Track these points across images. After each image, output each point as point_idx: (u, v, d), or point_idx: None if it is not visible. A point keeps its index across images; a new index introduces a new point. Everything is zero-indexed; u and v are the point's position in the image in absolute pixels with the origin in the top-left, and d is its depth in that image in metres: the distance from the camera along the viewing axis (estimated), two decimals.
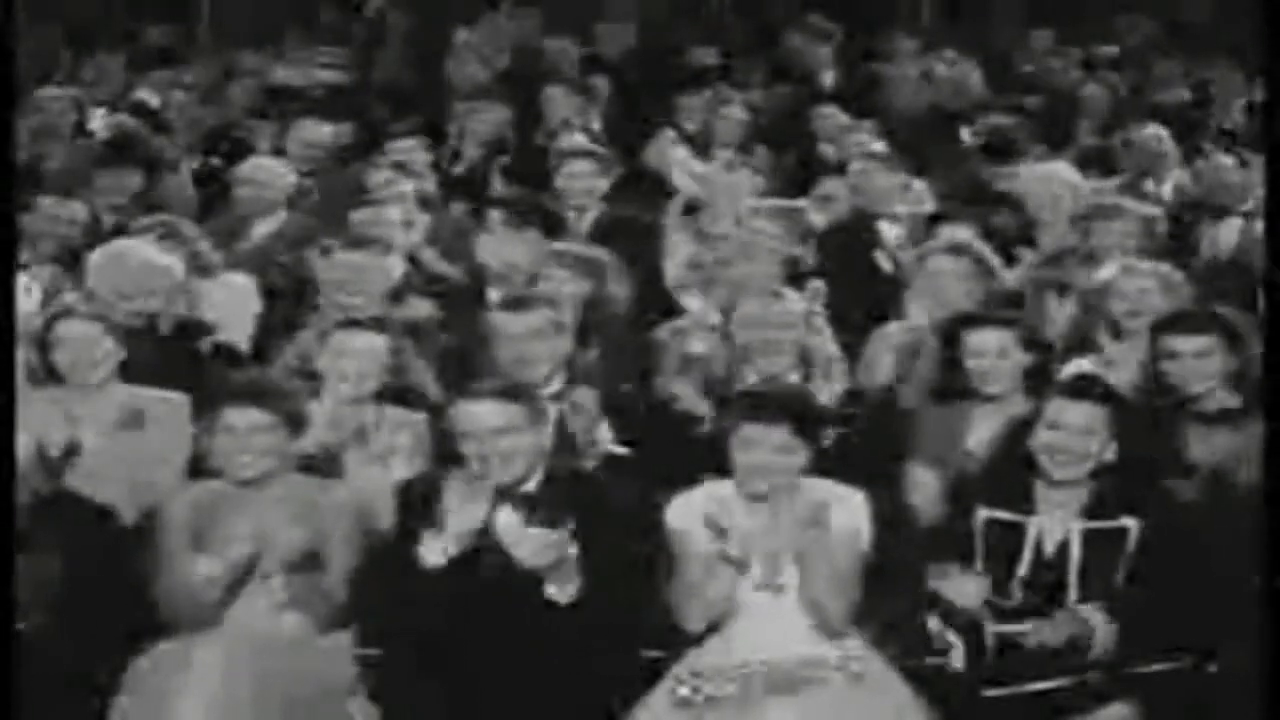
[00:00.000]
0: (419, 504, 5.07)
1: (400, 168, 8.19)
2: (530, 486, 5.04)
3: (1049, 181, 7.85)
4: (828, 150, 9.28)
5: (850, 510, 5.10)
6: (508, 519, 4.94)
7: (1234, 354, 5.61)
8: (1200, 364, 5.61)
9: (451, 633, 4.94)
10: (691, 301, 7.14)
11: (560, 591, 4.91)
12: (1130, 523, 5.02)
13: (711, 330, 6.41)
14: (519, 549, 4.90)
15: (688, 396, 5.99)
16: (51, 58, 11.02)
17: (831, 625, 5.00)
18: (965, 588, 4.98)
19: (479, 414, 5.04)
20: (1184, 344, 5.62)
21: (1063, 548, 5.03)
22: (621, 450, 5.69)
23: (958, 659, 4.98)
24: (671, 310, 7.06)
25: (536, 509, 4.94)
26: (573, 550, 4.90)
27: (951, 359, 5.87)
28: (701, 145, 9.34)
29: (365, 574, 5.13)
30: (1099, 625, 4.90)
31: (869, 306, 6.96)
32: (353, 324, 5.89)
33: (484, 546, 4.94)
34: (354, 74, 11.02)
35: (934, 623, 5.02)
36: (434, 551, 4.93)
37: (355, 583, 5.13)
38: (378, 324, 5.92)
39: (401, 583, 5.00)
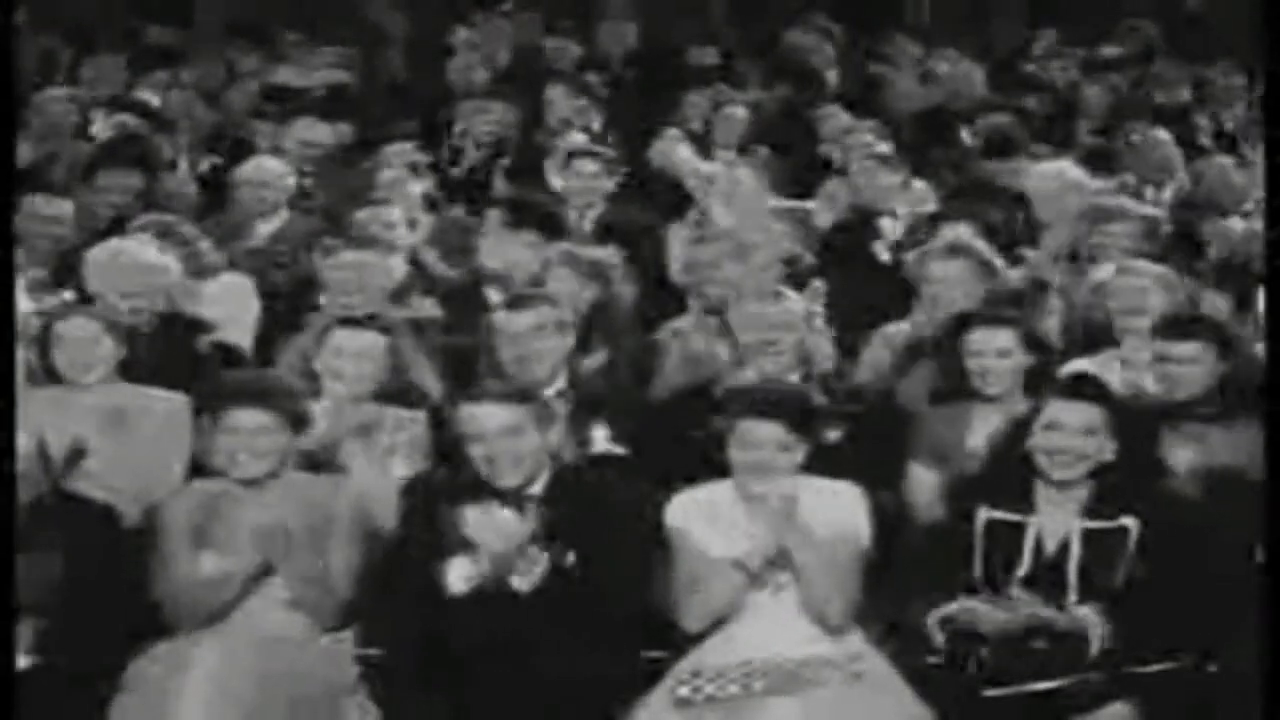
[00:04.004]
0: (423, 507, 5.07)
1: (408, 167, 8.19)
2: (537, 489, 5.03)
3: (1054, 179, 7.83)
4: (829, 150, 9.27)
5: (848, 508, 5.10)
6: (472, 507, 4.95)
7: (1224, 360, 5.62)
8: (1187, 370, 5.62)
9: (451, 633, 4.94)
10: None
11: (522, 580, 4.91)
12: (1130, 522, 5.02)
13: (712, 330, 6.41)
14: (482, 533, 4.90)
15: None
16: (52, 58, 10.99)
17: (831, 623, 5.00)
18: (991, 615, 4.96)
19: (485, 416, 5.03)
20: (1173, 349, 5.65)
21: (1063, 548, 5.03)
22: (618, 449, 5.69)
23: (957, 660, 4.98)
24: (678, 310, 7.04)
25: (505, 496, 4.95)
26: (534, 539, 4.90)
27: (952, 359, 5.87)
28: (703, 145, 9.33)
29: (369, 579, 5.13)
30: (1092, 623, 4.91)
31: (869, 306, 6.95)
32: (351, 323, 5.89)
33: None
34: (354, 74, 10.99)
35: (934, 625, 5.02)
36: (461, 579, 4.93)
37: (358, 584, 5.14)
38: (376, 323, 5.92)
39: (404, 587, 5.00)
